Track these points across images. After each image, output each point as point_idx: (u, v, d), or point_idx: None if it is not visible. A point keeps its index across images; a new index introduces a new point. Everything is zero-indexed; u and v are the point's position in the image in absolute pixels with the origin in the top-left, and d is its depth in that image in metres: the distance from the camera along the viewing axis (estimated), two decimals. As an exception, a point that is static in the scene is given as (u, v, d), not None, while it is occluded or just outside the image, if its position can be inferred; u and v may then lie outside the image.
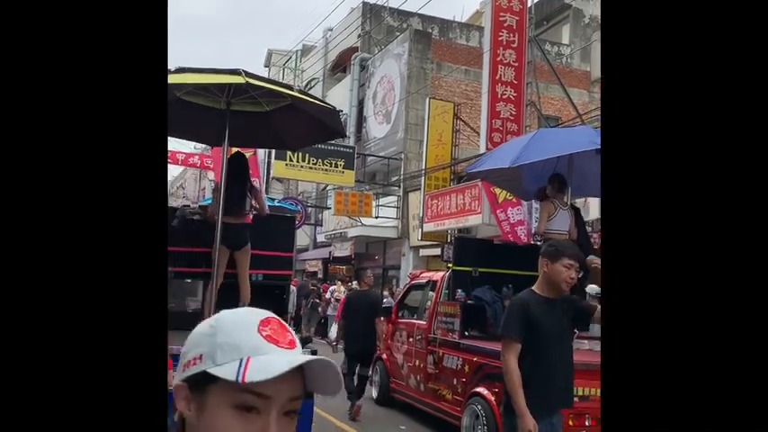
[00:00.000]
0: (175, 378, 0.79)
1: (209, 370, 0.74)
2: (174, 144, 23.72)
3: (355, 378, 6.61)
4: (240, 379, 0.71)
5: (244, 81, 3.48)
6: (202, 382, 0.75)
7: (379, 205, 16.17)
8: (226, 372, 0.73)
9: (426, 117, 14.91)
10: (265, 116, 4.33)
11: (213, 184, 5.00)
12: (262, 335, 0.77)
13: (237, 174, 4.26)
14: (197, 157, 18.87)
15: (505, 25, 12.29)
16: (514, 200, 8.88)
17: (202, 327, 0.80)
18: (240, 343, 0.75)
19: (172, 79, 3.65)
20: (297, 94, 3.95)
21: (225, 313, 0.80)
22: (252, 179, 5.50)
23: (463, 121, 15.24)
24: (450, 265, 6.15)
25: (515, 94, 12.25)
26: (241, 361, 0.73)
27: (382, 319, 6.81)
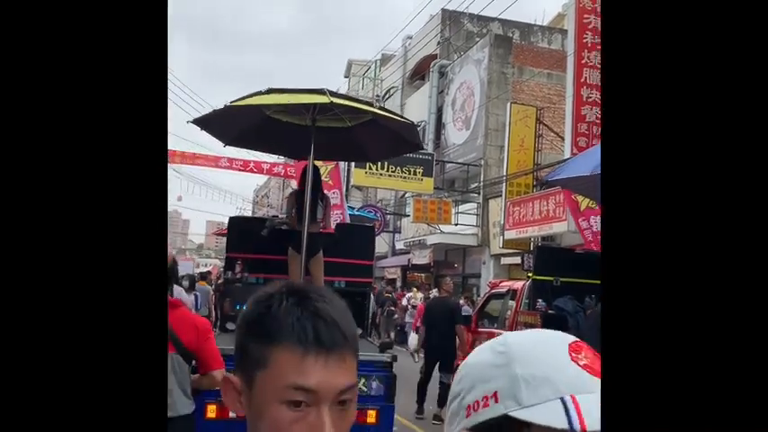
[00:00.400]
0: (453, 425, 0.60)
1: (513, 413, 0.55)
2: (259, 154, 24.85)
3: (429, 385, 6.71)
4: (577, 427, 0.53)
5: (328, 100, 3.70)
6: (501, 429, 0.55)
7: (458, 212, 16.14)
8: (546, 416, 0.53)
9: (507, 122, 14.73)
10: (347, 131, 4.56)
11: (290, 194, 5.27)
12: (578, 364, 0.58)
13: (312, 183, 4.52)
14: (281, 166, 19.71)
15: (590, 27, 11.94)
16: (597, 207, 8.60)
17: (483, 354, 0.60)
18: (552, 375, 0.56)
19: (263, 100, 3.95)
20: (377, 110, 4.14)
21: (513, 336, 0.62)
22: (333, 190, 5.75)
23: (546, 125, 14.90)
24: (530, 274, 6.09)
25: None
26: (563, 401, 0.54)
27: (462, 327, 6.85)
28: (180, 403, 2.53)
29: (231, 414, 3.46)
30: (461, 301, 10.67)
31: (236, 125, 4.47)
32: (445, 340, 6.65)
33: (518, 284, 6.49)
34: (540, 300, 5.42)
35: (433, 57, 19.94)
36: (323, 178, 6.95)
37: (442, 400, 6.72)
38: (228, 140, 4.68)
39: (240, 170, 18.08)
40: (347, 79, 29.61)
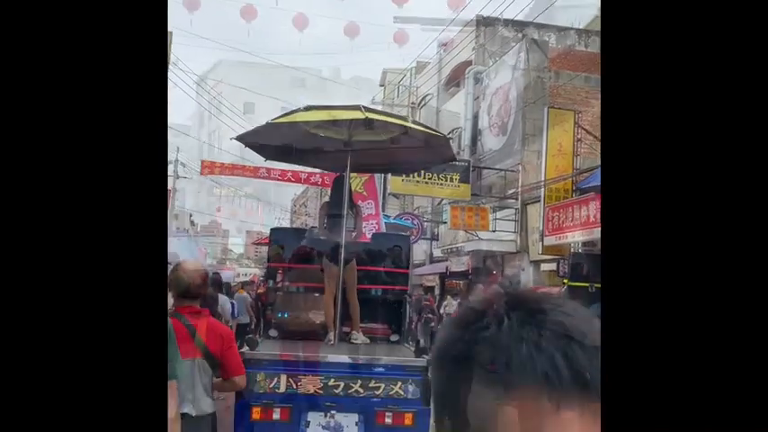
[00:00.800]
0: None
1: None
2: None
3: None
4: None
5: (363, 116, 3.89)
6: None
7: (496, 219, 16.09)
8: None
9: (545, 126, 14.63)
10: (383, 144, 4.73)
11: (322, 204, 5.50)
12: None
13: (342, 195, 4.72)
14: (318, 175, 20.10)
15: (626, 29, 11.78)
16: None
17: None
18: None
19: (302, 117, 4.17)
20: (411, 124, 4.31)
21: None
22: (367, 201, 5.94)
23: (585, 129, 14.73)
24: (565, 280, 6.10)
25: (639, 100, 11.65)
26: None
27: None
28: (204, 403, 2.79)
29: (275, 416, 3.66)
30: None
31: (277, 141, 4.71)
32: None
33: (554, 291, 6.51)
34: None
35: (468, 63, 19.98)
36: (357, 189, 7.16)
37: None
38: (269, 155, 4.92)
39: (278, 180, 18.53)
40: (382, 87, 29.88)
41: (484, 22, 19.64)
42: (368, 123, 4.25)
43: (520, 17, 18.17)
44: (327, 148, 4.79)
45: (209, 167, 18.95)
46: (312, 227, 6.61)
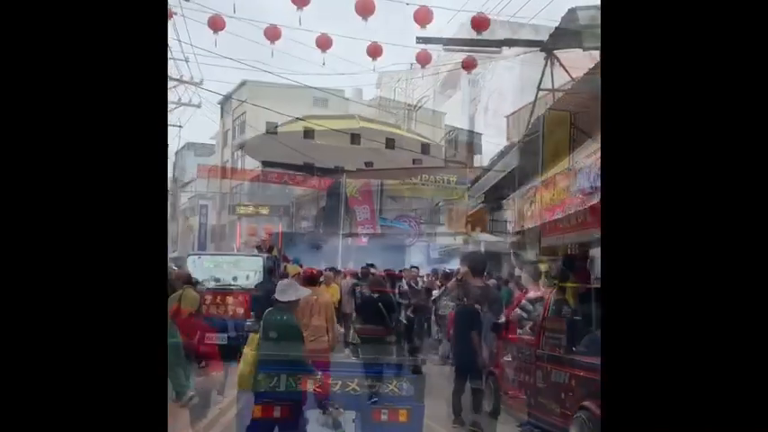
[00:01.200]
0: None
1: None
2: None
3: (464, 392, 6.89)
4: None
5: (358, 125, 4.05)
6: None
7: (493, 220, 16.18)
8: None
9: (541, 128, 14.70)
10: (378, 151, 4.89)
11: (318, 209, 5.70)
12: None
13: (337, 200, 4.90)
14: (315, 178, 20.22)
15: (620, 32, 11.85)
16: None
17: None
18: None
19: (300, 126, 4.33)
20: (404, 132, 4.46)
21: None
22: (362, 206, 6.11)
23: (582, 130, 14.80)
24: (556, 281, 6.25)
25: (633, 102, 11.69)
26: None
27: (474, 333, 6.96)
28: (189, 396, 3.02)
29: (275, 414, 3.81)
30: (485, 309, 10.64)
31: (276, 148, 4.87)
32: (468, 346, 6.81)
33: (546, 291, 6.64)
34: (565, 306, 5.59)
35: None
36: (352, 194, 7.32)
37: (477, 407, 6.85)
38: (269, 162, 5.08)
39: (275, 183, 18.72)
40: (378, 89, 29.92)
41: (499, 43, 19.43)
42: (389, 143, 4.42)
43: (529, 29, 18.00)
44: (324, 156, 4.94)
45: (205, 171, 19.17)
46: (311, 230, 6.76)
